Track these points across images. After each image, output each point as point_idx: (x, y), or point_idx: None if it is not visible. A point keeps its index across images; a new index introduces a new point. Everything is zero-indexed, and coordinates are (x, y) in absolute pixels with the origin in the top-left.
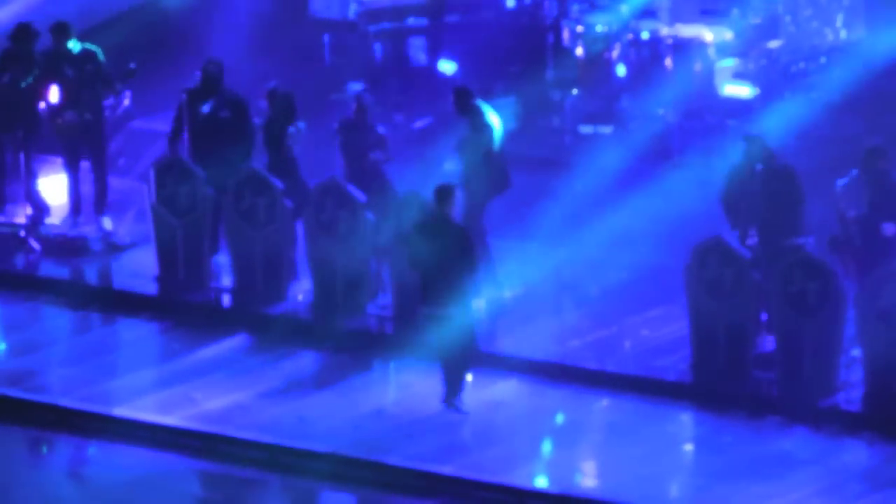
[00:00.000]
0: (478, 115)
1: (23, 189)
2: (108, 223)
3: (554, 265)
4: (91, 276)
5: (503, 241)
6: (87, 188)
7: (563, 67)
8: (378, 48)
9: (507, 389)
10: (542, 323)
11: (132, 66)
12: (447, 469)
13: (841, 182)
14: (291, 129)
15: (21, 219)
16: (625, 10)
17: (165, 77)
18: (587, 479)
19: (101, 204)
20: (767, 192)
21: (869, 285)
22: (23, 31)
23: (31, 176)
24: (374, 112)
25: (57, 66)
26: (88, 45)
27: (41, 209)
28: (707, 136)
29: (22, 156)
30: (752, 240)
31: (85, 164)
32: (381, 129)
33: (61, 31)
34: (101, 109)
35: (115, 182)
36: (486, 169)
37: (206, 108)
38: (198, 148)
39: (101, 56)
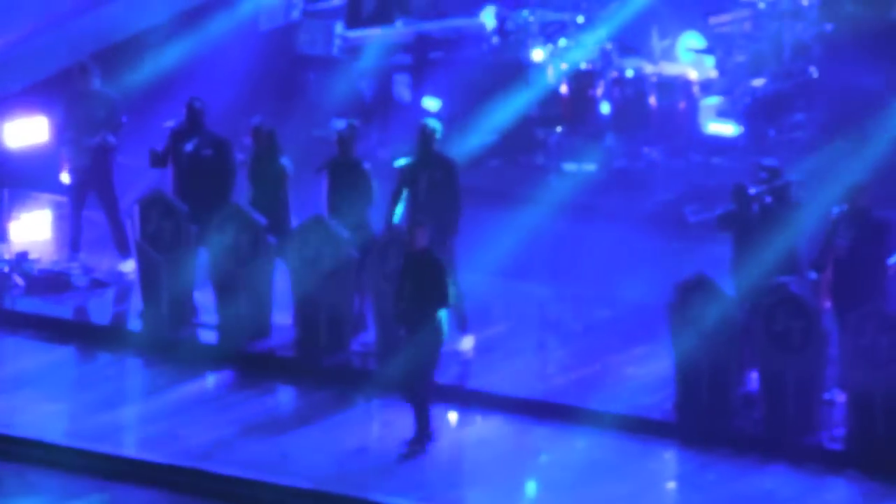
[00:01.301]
0: (446, 159)
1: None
2: (129, 266)
3: (538, 302)
4: (74, 312)
5: (487, 278)
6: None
7: (548, 105)
8: (362, 85)
9: (490, 427)
10: (526, 360)
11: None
12: None
13: (832, 214)
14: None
15: (4, 254)
16: (609, 46)
17: (151, 112)
18: None
19: (123, 246)
20: (767, 228)
21: (851, 324)
22: None
23: None
24: (356, 145)
25: (71, 105)
26: (108, 91)
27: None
28: (691, 174)
29: None
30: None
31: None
32: (366, 165)
33: (83, 70)
34: (103, 152)
35: (99, 217)
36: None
37: (188, 147)
38: (181, 185)
39: (117, 104)
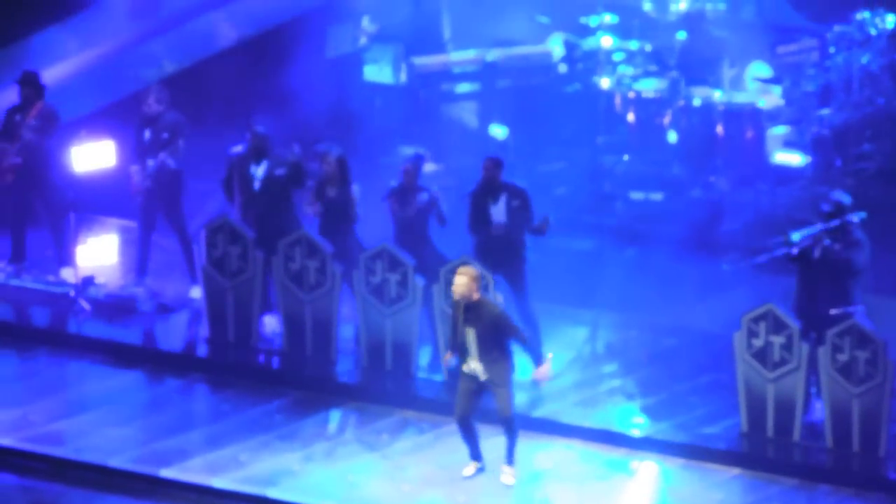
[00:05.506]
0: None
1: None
2: (195, 292)
3: (603, 330)
4: (140, 336)
5: (553, 306)
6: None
7: (614, 133)
8: (429, 112)
9: (555, 456)
10: (590, 388)
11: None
12: None
13: None
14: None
15: (71, 279)
16: (676, 75)
17: (214, 138)
18: None
19: (191, 269)
20: (829, 259)
21: None
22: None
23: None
24: (421, 175)
25: (139, 129)
26: (174, 114)
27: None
28: (758, 204)
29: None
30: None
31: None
32: (433, 192)
33: (150, 94)
34: (165, 175)
35: (165, 242)
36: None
37: (260, 170)
38: (253, 210)
39: (179, 126)
